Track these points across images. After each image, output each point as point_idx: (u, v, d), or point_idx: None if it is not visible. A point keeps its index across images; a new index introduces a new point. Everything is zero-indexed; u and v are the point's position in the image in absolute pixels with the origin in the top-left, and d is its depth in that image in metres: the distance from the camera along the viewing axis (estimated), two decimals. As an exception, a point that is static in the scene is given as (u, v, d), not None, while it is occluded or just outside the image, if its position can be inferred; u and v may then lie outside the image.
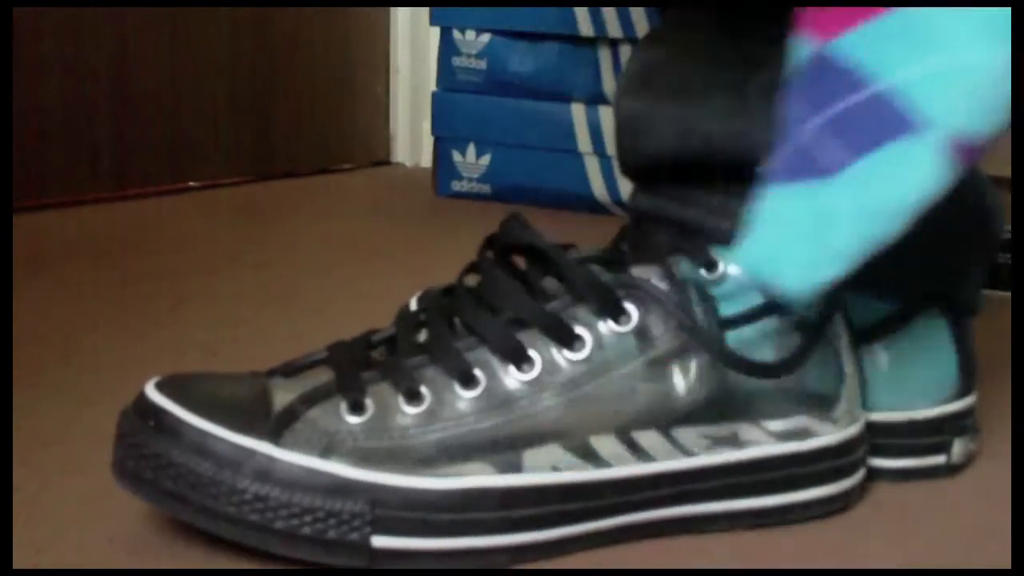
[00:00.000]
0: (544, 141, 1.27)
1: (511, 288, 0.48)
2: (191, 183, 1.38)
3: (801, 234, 0.46)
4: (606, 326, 0.47)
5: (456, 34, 1.31)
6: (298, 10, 1.51)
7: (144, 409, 0.46)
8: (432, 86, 1.37)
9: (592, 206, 1.25)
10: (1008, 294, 0.92)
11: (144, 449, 0.45)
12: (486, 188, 1.32)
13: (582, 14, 1.23)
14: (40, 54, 1.18)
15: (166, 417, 0.45)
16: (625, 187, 1.21)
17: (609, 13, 1.21)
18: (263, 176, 1.48)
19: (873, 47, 0.43)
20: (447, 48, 1.33)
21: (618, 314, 0.47)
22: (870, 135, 0.43)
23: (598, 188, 1.24)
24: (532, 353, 0.47)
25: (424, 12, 1.45)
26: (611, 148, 1.21)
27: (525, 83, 1.28)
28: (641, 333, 0.47)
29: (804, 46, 0.45)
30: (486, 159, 1.31)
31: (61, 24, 1.20)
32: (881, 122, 0.43)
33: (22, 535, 0.47)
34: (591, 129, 1.25)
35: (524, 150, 1.29)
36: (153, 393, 0.46)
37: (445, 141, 1.35)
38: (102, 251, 1.02)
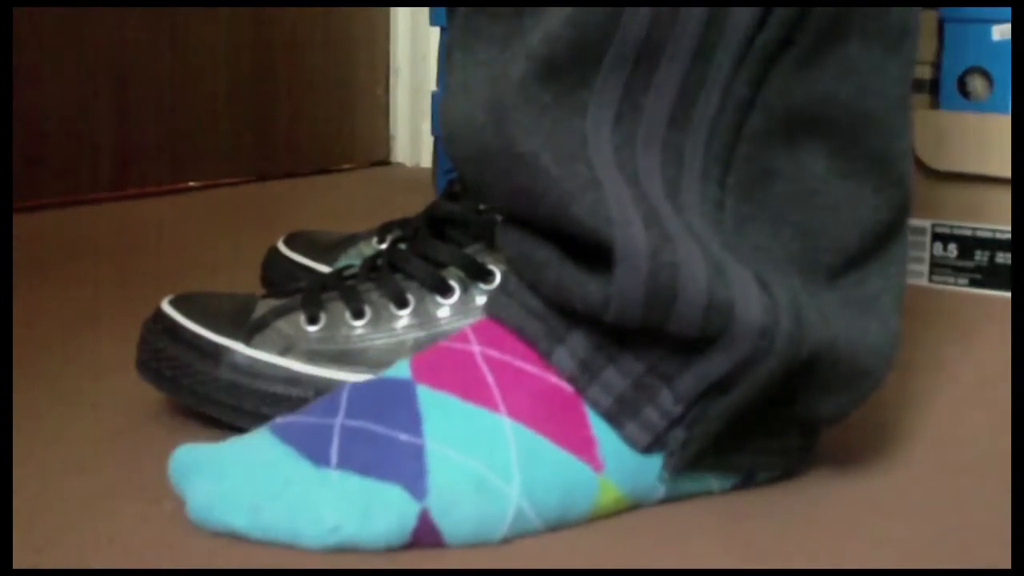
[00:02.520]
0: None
1: (437, 242, 0.61)
2: (191, 183, 1.38)
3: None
4: None
5: (456, 34, 1.31)
6: (298, 10, 1.51)
7: (157, 316, 0.60)
8: (432, 86, 1.37)
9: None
10: (1008, 294, 0.92)
11: (152, 345, 0.59)
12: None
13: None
14: (40, 54, 1.18)
15: (169, 321, 0.59)
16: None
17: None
18: (263, 176, 1.48)
19: (445, 417, 0.49)
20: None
21: None
22: (377, 465, 0.47)
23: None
24: (452, 283, 0.59)
25: (424, 12, 1.45)
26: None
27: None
28: None
29: (402, 369, 0.51)
30: (486, 159, 1.31)
31: (61, 24, 1.20)
32: (397, 462, 0.47)
33: (22, 535, 0.47)
34: (591, 129, 1.25)
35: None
36: (165, 305, 0.61)
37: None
38: (102, 251, 1.02)
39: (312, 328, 0.59)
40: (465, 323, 0.58)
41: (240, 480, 0.47)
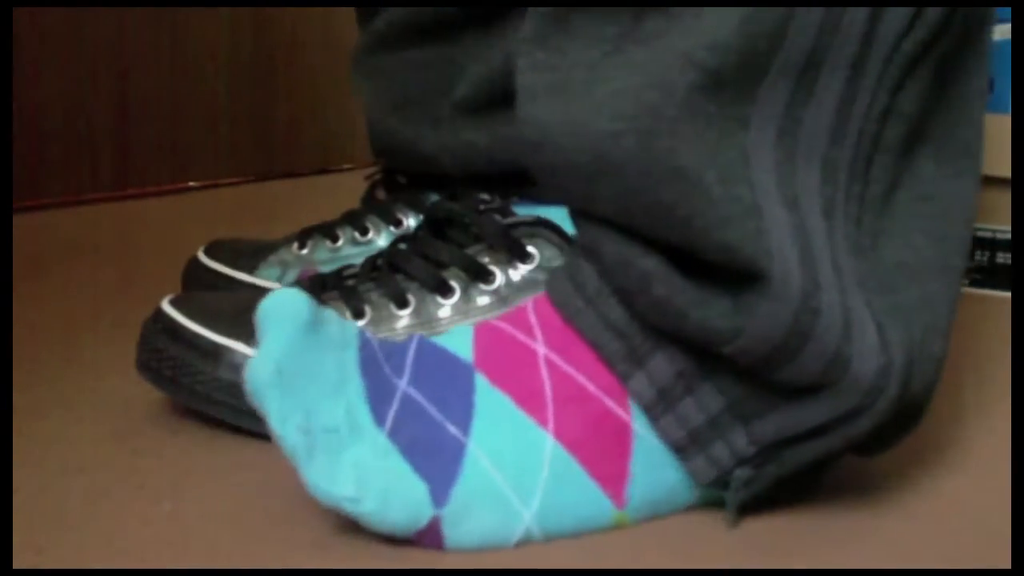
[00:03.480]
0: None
1: (437, 242, 0.61)
2: (191, 183, 1.38)
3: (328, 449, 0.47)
4: (513, 266, 0.60)
5: (456, 34, 1.31)
6: (298, 10, 1.51)
7: (157, 316, 0.60)
8: (432, 86, 1.37)
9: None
10: (1008, 294, 0.92)
11: (152, 345, 0.59)
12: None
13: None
14: (40, 54, 1.18)
15: (169, 321, 0.59)
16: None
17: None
18: (263, 176, 1.48)
19: (494, 419, 0.48)
20: (447, 48, 1.33)
21: (524, 256, 0.59)
22: (424, 450, 0.47)
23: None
24: (453, 284, 0.59)
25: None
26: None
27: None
28: (546, 270, 0.58)
29: (466, 347, 0.50)
30: (486, 159, 1.31)
31: (61, 24, 1.20)
32: (442, 456, 0.47)
33: (22, 535, 0.47)
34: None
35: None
36: (165, 305, 0.60)
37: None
38: (102, 251, 1.02)
39: None
40: (465, 323, 0.58)
41: (313, 380, 0.46)
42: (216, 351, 0.58)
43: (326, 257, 0.74)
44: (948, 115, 0.49)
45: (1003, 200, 0.91)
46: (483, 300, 0.59)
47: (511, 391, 0.48)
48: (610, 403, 0.48)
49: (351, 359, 0.47)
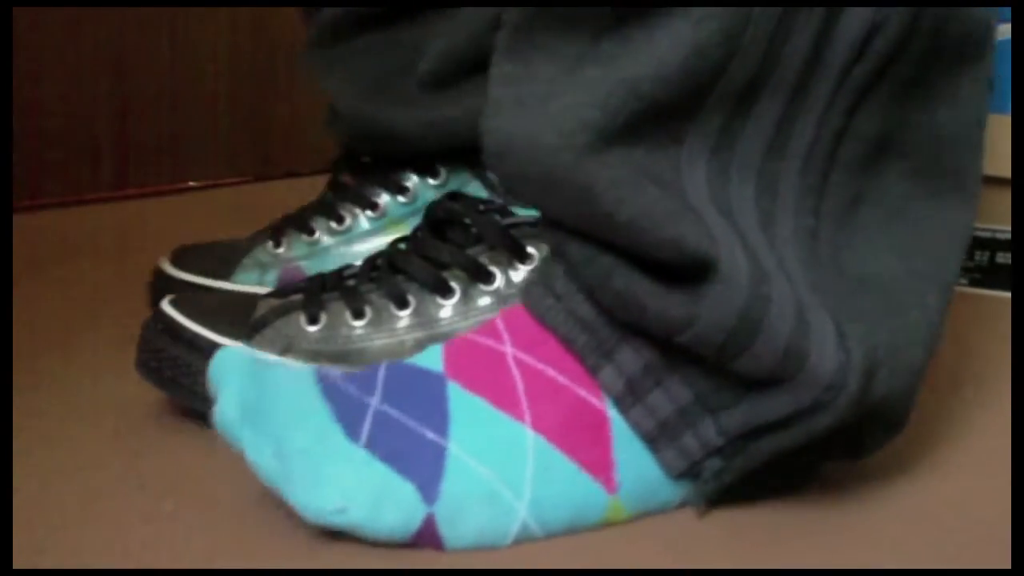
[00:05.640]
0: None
1: (437, 242, 0.61)
2: (191, 183, 1.38)
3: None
4: (513, 266, 0.59)
5: (456, 34, 1.31)
6: (298, 10, 1.51)
7: (157, 316, 0.60)
8: (432, 86, 1.37)
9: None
10: (1008, 294, 0.92)
11: (152, 345, 0.60)
12: (486, 188, 1.32)
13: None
14: (40, 54, 1.18)
15: (169, 321, 0.60)
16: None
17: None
18: (263, 176, 1.48)
19: (473, 420, 0.48)
20: (447, 48, 1.33)
21: (524, 256, 0.59)
22: (403, 455, 0.47)
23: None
24: (453, 284, 0.59)
25: (424, 12, 1.44)
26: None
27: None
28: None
29: (436, 360, 0.51)
30: (486, 159, 1.31)
31: (61, 24, 1.20)
32: (423, 459, 0.48)
33: (22, 535, 0.47)
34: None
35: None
36: (165, 305, 0.61)
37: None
38: (102, 251, 1.02)
39: (312, 328, 0.59)
40: (465, 325, 0.58)
41: (277, 412, 0.47)
42: (216, 351, 0.58)
43: (305, 252, 0.73)
44: (918, 136, 0.50)
45: (1003, 200, 0.91)
46: (483, 300, 0.59)
47: (485, 393, 0.49)
48: (583, 393, 0.49)
49: (311, 390, 0.48)
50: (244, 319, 0.59)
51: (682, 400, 0.48)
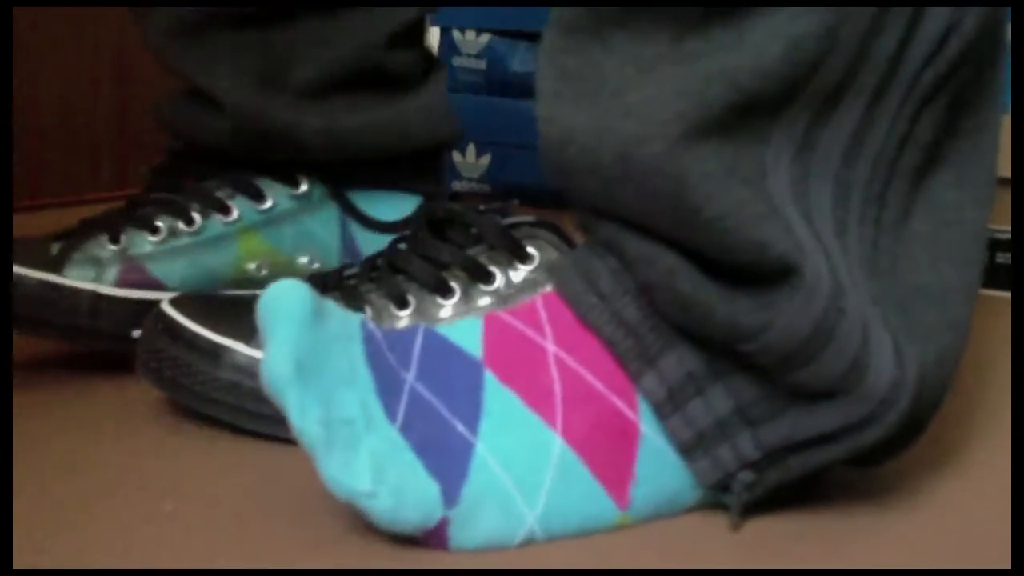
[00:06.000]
0: (544, 141, 1.27)
1: (437, 242, 0.61)
2: (191, 183, 1.38)
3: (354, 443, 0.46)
4: (513, 266, 0.60)
5: (456, 34, 1.31)
6: (298, 10, 1.51)
7: (157, 316, 0.60)
8: (432, 86, 1.37)
9: (592, 206, 1.25)
10: (1008, 294, 0.92)
11: (152, 345, 0.59)
12: (486, 188, 1.32)
13: (582, 14, 1.23)
14: (40, 54, 1.18)
15: (169, 321, 0.59)
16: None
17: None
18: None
19: (506, 419, 0.48)
20: (447, 48, 1.33)
21: (524, 257, 0.59)
22: (432, 446, 0.46)
23: (598, 188, 1.25)
24: (453, 285, 0.59)
25: (424, 12, 1.44)
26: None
27: (525, 83, 1.28)
28: (546, 270, 0.59)
29: (476, 345, 0.49)
30: (486, 159, 1.31)
31: (61, 24, 1.20)
32: (450, 455, 0.46)
33: (22, 535, 0.47)
34: (591, 129, 1.25)
35: (524, 150, 1.28)
36: (165, 305, 0.60)
37: (445, 141, 1.35)
38: (102, 251, 1.02)
39: None
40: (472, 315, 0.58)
41: (326, 373, 0.45)
42: (216, 351, 0.58)
43: (149, 250, 0.68)
44: (964, 144, 0.50)
45: (1003, 200, 0.91)
46: (483, 301, 0.59)
47: (520, 390, 0.48)
48: (619, 404, 0.48)
49: (357, 352, 0.47)
50: (244, 319, 0.59)
51: (722, 411, 0.48)
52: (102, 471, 0.54)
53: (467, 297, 0.59)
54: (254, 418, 0.57)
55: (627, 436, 0.48)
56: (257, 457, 0.56)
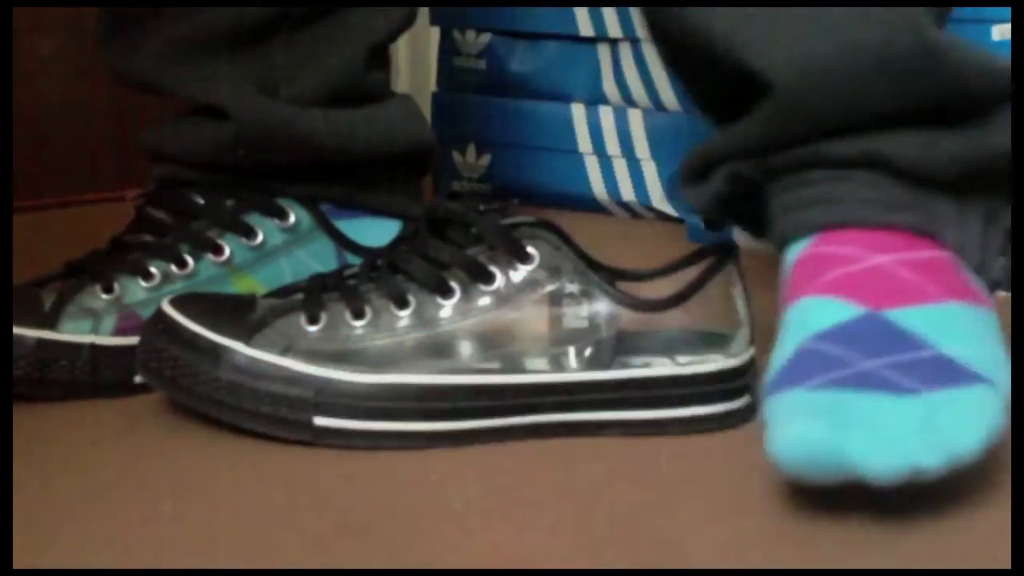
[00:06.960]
0: (544, 141, 1.27)
1: (437, 242, 0.61)
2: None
3: (877, 424, 0.48)
4: (513, 266, 0.59)
5: (456, 34, 1.31)
6: (298, 10, 1.51)
7: (157, 316, 0.60)
8: (432, 86, 1.37)
9: (592, 206, 1.25)
10: (1008, 294, 0.92)
11: (152, 345, 0.60)
12: (486, 188, 1.32)
13: (582, 14, 1.23)
14: (40, 54, 1.18)
15: (169, 321, 0.59)
16: (625, 187, 1.21)
17: (609, 13, 1.21)
18: (263, 176, 1.48)
19: (930, 324, 0.53)
20: (447, 48, 1.33)
21: (524, 257, 0.59)
22: (940, 378, 0.50)
23: (598, 188, 1.24)
24: (453, 284, 0.59)
25: (424, 12, 1.44)
26: (612, 148, 1.21)
27: (525, 83, 1.28)
28: (546, 270, 0.59)
29: (847, 307, 0.54)
30: (486, 159, 1.31)
31: (61, 24, 1.20)
32: (950, 372, 0.51)
33: (22, 535, 0.47)
34: (591, 129, 1.25)
35: (524, 150, 1.28)
36: (165, 305, 0.61)
37: (445, 141, 1.35)
38: (102, 251, 1.02)
39: (312, 328, 0.59)
40: (465, 324, 0.58)
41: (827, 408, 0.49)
42: (216, 351, 0.58)
43: (143, 298, 0.66)
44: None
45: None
46: (484, 301, 0.59)
47: (908, 301, 0.53)
48: (930, 252, 0.56)
49: (834, 397, 0.50)
50: (244, 319, 0.59)
51: (976, 228, 0.59)
52: (102, 471, 0.54)
53: (467, 297, 0.59)
54: (254, 418, 0.57)
55: (955, 265, 0.57)
56: (257, 457, 0.56)
